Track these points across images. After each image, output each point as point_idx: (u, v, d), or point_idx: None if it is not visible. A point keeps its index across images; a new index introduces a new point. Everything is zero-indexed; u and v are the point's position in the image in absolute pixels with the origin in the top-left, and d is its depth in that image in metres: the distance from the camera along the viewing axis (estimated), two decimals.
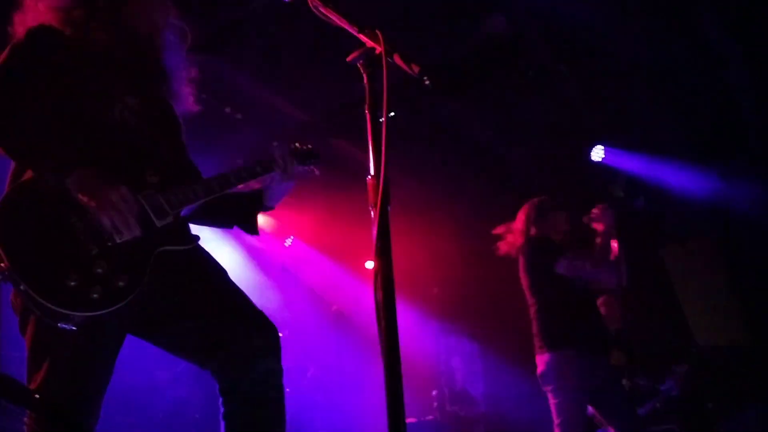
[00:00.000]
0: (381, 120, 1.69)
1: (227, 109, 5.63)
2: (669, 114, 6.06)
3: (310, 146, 2.41)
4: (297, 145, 2.38)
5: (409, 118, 5.66)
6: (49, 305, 1.71)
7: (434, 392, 7.94)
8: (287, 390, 2.06)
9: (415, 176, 6.92)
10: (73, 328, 1.78)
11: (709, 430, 6.18)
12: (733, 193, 6.28)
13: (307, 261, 7.64)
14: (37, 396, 1.81)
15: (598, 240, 3.94)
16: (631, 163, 6.27)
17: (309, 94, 5.67)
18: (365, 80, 1.73)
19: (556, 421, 3.74)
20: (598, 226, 3.96)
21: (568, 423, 3.68)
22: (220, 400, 2.01)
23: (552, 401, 3.78)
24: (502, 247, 4.20)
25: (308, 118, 5.98)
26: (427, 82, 1.65)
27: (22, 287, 1.71)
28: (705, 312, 7.24)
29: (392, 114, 1.70)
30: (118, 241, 1.84)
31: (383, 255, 1.62)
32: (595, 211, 3.98)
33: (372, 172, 1.67)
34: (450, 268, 9.27)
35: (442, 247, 8.56)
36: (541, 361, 3.85)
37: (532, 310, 3.99)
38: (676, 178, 6.47)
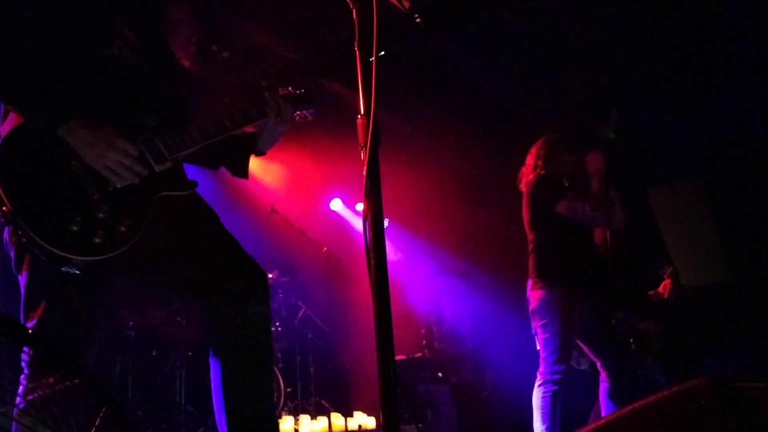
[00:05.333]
0: (371, 59, 1.67)
1: (213, 47, 5.51)
2: (657, 44, 5.95)
3: (303, 90, 2.36)
4: (290, 89, 2.33)
5: (399, 56, 5.55)
6: (53, 249, 1.71)
7: (423, 330, 8.10)
8: (279, 328, 2.09)
9: (405, 116, 6.85)
10: (77, 272, 1.78)
11: (691, 368, 6.34)
12: (720, 129, 6.26)
13: (298, 201, 7.63)
14: (32, 332, 1.81)
15: (591, 183, 3.97)
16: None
17: (297, 31, 5.54)
18: (355, 17, 1.70)
19: (542, 354, 3.84)
20: (590, 168, 3.98)
21: (554, 356, 3.77)
22: (210, 341, 2.02)
23: (541, 336, 3.86)
24: (522, 185, 4.20)
25: (296, 56, 5.85)
26: (418, 20, 1.62)
27: (25, 231, 1.70)
28: (690, 252, 7.33)
29: (383, 53, 1.68)
30: (119, 186, 1.83)
31: (373, 195, 1.62)
32: (589, 155, 4.01)
33: (362, 111, 1.65)
34: (439, 208, 9.31)
35: (432, 187, 8.57)
36: (535, 297, 3.91)
37: (531, 246, 4.03)
38: (663, 115, 6.44)
